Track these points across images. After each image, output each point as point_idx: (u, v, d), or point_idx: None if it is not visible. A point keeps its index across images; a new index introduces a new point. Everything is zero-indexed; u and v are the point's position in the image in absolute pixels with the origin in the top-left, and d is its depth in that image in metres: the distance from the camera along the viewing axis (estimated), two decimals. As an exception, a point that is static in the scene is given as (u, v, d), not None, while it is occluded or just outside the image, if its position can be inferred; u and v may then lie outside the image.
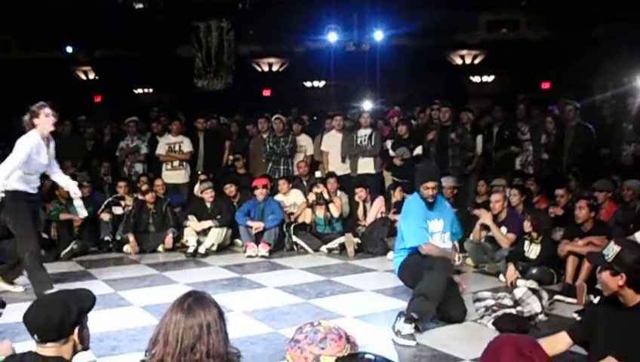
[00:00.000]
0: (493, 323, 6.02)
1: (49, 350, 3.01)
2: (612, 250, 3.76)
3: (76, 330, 3.07)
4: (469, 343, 5.65)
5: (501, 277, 7.98)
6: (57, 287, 7.91)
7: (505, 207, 8.70)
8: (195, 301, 3.00)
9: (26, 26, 16.21)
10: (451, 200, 9.83)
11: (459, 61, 18.95)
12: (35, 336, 3.01)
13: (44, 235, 10.30)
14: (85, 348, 3.21)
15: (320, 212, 10.45)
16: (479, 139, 11.29)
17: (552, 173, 10.71)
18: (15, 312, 3.62)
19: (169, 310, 3.01)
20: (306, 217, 10.50)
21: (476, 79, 19.54)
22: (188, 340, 2.87)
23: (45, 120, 7.32)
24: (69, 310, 3.04)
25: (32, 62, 17.48)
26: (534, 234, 7.86)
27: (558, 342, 3.86)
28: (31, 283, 7.69)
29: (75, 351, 3.12)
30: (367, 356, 2.44)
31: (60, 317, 3.00)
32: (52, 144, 7.62)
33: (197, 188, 11.27)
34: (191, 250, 10.00)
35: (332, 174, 11.09)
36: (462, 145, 10.85)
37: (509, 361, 2.36)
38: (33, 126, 7.36)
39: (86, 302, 3.14)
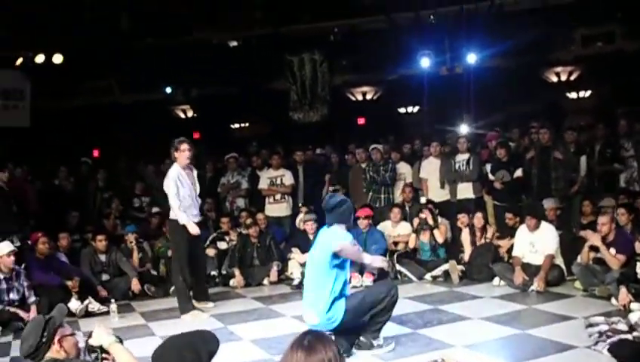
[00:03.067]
0: (609, 350, 5.84)
1: None
2: None
3: None
4: (585, 371, 5.54)
5: (613, 300, 7.73)
6: (170, 322, 8.27)
7: (613, 228, 8.48)
8: (314, 338, 3.06)
9: (127, 69, 16.78)
10: (555, 222, 9.69)
11: (554, 78, 18.61)
12: None
13: (153, 271, 10.66)
14: None
15: (425, 238, 10.39)
16: (583, 159, 11.04)
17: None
18: (134, 349, 3.77)
19: (289, 349, 3.07)
20: (411, 243, 10.46)
21: (573, 95, 19.13)
22: None
23: (182, 154, 8.52)
24: (200, 354, 3.15)
25: (134, 105, 18.08)
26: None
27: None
28: (178, 304, 8.62)
29: None
30: None
31: (192, 360, 3.10)
32: (194, 174, 8.91)
33: (298, 219, 11.41)
34: (296, 282, 10.11)
35: (430, 201, 11.08)
36: (566, 165, 10.66)
37: None
38: (175, 159, 8.63)
39: (213, 345, 3.25)
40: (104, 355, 3.81)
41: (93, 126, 16.85)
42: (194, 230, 8.52)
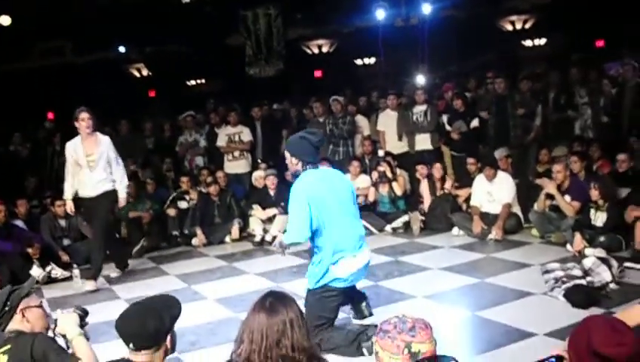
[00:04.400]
0: (564, 295, 6.03)
1: (142, 357, 3.14)
2: None
3: (168, 337, 3.21)
4: (541, 317, 5.71)
5: (568, 246, 7.95)
6: (134, 285, 8.28)
7: (567, 176, 8.64)
8: (276, 299, 3.12)
9: (79, 29, 16.48)
10: (508, 170, 9.83)
11: (509, 27, 18.66)
12: (131, 345, 3.14)
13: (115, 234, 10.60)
14: (173, 352, 3.35)
15: (384, 190, 10.47)
16: (538, 107, 11.14)
17: (613, 137, 10.53)
18: (100, 313, 3.78)
19: (251, 310, 3.12)
20: (371, 196, 10.53)
21: (528, 43, 19.21)
22: (272, 336, 2.99)
23: (82, 124, 8.30)
24: (163, 319, 3.17)
25: (88, 65, 17.80)
26: (600, 202, 7.81)
27: (633, 315, 3.85)
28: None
29: (165, 356, 3.26)
30: None
31: (155, 327, 3.14)
32: (104, 141, 8.55)
33: (254, 176, 11.42)
34: (258, 238, 10.18)
35: (388, 153, 11.15)
36: (523, 114, 10.79)
37: (602, 336, 2.37)
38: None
39: (176, 309, 3.28)
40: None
41: (46, 88, 16.57)
42: (68, 207, 8.59)
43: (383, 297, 6.66)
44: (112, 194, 8.48)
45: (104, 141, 8.49)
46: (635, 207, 7.39)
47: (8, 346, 3.52)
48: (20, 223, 9.78)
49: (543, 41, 19.14)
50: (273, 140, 12.70)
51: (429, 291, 6.84)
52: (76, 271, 8.71)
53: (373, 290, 6.96)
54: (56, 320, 3.80)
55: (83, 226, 10.00)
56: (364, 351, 5.12)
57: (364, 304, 5.91)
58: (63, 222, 9.93)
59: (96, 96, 16.44)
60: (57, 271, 9.02)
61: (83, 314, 3.84)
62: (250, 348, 3.01)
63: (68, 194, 8.49)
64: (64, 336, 3.74)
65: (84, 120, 8.26)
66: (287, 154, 5.62)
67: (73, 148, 8.38)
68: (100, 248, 8.52)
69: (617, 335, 2.37)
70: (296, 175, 5.61)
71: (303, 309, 5.26)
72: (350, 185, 5.78)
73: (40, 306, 3.83)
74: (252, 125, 12.49)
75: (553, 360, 2.91)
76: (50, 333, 3.81)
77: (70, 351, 3.72)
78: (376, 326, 5.25)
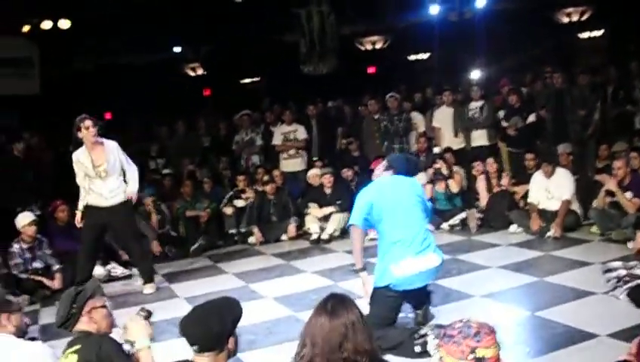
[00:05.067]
0: (627, 295, 5.90)
1: (206, 359, 3.18)
2: None
3: (231, 340, 3.25)
4: (603, 317, 5.61)
5: (629, 244, 7.78)
6: (192, 283, 8.39)
7: (628, 172, 8.48)
8: (337, 302, 3.15)
9: (134, 30, 16.70)
10: (568, 166, 9.69)
11: (565, 19, 18.36)
12: (195, 347, 3.19)
13: (173, 233, 10.76)
14: (235, 354, 3.39)
15: (440, 188, 10.41)
16: (597, 103, 10.94)
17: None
18: (160, 312, 3.85)
19: (313, 314, 3.16)
20: (427, 193, 10.45)
21: (585, 35, 18.86)
22: (335, 340, 3.02)
23: (87, 133, 7.74)
24: (225, 322, 3.22)
25: (144, 66, 18.03)
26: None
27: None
28: None
29: (228, 358, 3.30)
30: None
31: (218, 330, 3.19)
32: (111, 147, 8.03)
33: (310, 174, 11.46)
34: (314, 236, 10.22)
35: (448, 149, 11.08)
36: (581, 109, 10.62)
37: None
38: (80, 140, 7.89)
39: (237, 311, 3.32)
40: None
41: (103, 90, 16.84)
42: (77, 221, 8.11)
43: (440, 296, 6.61)
44: (129, 203, 8.14)
45: (112, 147, 7.99)
46: (699, 204, 7.23)
47: (78, 346, 3.61)
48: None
49: (600, 32, 18.79)
50: (328, 138, 12.73)
51: (487, 290, 6.78)
52: (135, 270, 8.88)
53: (431, 289, 6.93)
54: (125, 326, 3.86)
55: (142, 225, 10.16)
56: (417, 348, 5.11)
57: (426, 309, 5.91)
58: (123, 222, 10.10)
59: (152, 97, 16.74)
60: (117, 270, 9.22)
61: (147, 315, 3.91)
62: (312, 352, 3.04)
63: (80, 206, 8.07)
64: (131, 343, 3.80)
65: (88, 128, 7.69)
66: (385, 163, 5.94)
67: (80, 160, 7.88)
68: (142, 255, 8.42)
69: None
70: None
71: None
72: (419, 191, 5.86)
73: (104, 306, 3.91)
74: (308, 123, 12.53)
75: (620, 365, 2.88)
76: (116, 336, 3.89)
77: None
78: (436, 326, 5.30)
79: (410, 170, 5.88)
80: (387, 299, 5.48)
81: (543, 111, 11.08)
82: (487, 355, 2.69)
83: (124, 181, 8.07)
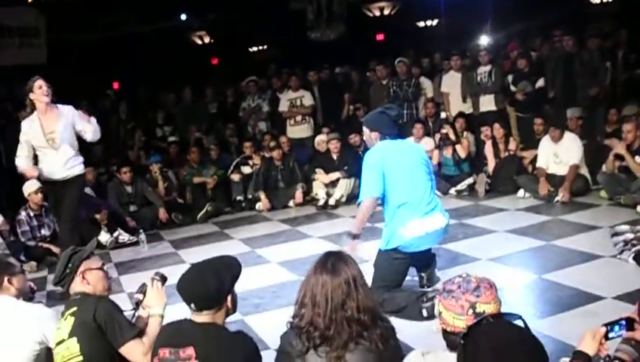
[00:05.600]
0: (634, 258, 5.87)
1: (204, 317, 3.15)
2: None
3: (229, 298, 3.22)
4: (610, 280, 5.58)
5: (638, 208, 7.72)
6: (199, 249, 8.38)
7: (638, 136, 8.39)
8: (337, 260, 3.11)
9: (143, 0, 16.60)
10: (577, 131, 9.60)
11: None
12: (192, 305, 3.16)
13: (180, 200, 10.76)
14: (234, 312, 3.37)
15: (447, 153, 10.35)
16: (607, 65, 10.82)
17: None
18: (168, 274, 3.81)
19: (311, 272, 3.11)
20: (434, 158, 10.39)
21: (596, 0, 18.61)
22: (337, 298, 2.98)
23: (39, 95, 6.96)
24: (223, 279, 3.18)
25: (151, 35, 17.92)
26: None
27: None
28: None
29: (227, 316, 3.28)
30: (517, 320, 2.45)
31: (216, 287, 3.15)
32: (66, 111, 7.19)
33: (317, 140, 11.42)
34: (321, 202, 10.21)
35: (461, 114, 10.99)
36: (591, 72, 10.50)
37: None
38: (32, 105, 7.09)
39: (236, 269, 3.28)
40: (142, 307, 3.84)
41: (111, 59, 16.76)
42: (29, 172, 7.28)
43: (447, 260, 6.59)
44: (82, 178, 7.41)
45: (66, 112, 7.14)
46: None
47: (74, 308, 3.59)
48: (87, 190, 9.97)
49: (611, -2, 18.54)
50: (335, 104, 12.66)
51: (495, 254, 6.75)
52: (142, 236, 8.93)
53: (437, 253, 6.85)
54: (144, 290, 3.83)
55: (149, 192, 10.17)
56: (424, 311, 5.08)
57: (431, 272, 5.88)
58: (129, 189, 10.13)
59: (159, 66, 16.66)
60: (124, 237, 9.24)
61: (162, 280, 3.89)
62: (313, 312, 3.00)
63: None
64: (143, 306, 3.80)
65: (41, 87, 6.91)
66: (365, 130, 5.74)
67: (28, 127, 7.01)
68: (68, 231, 7.27)
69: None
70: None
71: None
72: (423, 155, 5.78)
73: (101, 268, 3.88)
74: (311, 89, 12.47)
75: (624, 322, 2.84)
76: (126, 298, 3.85)
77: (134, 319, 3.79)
78: (438, 289, 5.26)
79: (392, 126, 5.69)
80: (395, 261, 5.45)
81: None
82: (487, 310, 2.62)
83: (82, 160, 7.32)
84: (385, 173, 5.36)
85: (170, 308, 3.76)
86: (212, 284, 3.14)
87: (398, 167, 5.41)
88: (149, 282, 3.84)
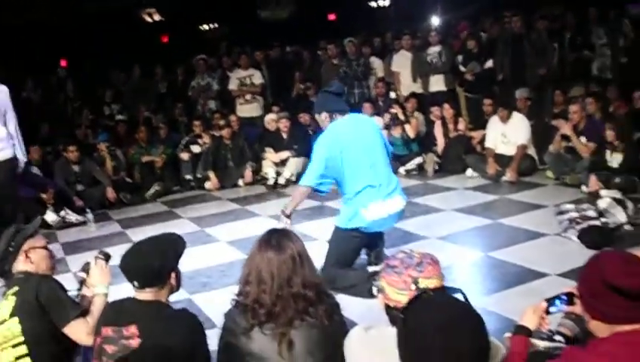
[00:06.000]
0: (578, 236, 5.98)
1: (148, 295, 3.12)
2: None
3: (173, 275, 3.19)
4: (555, 257, 5.68)
5: (583, 188, 7.85)
6: (147, 228, 8.29)
7: (583, 117, 8.52)
8: (280, 236, 3.08)
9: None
10: (525, 111, 9.72)
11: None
12: (135, 283, 3.12)
13: (128, 179, 10.63)
14: (178, 290, 3.33)
15: (396, 133, 10.38)
16: (555, 46, 10.94)
17: (632, 78, 10.31)
18: (114, 257, 3.75)
19: (256, 250, 3.08)
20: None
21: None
22: (283, 274, 2.95)
23: None
24: (166, 257, 3.15)
25: (99, 12, 17.60)
26: (616, 143, 7.70)
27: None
28: None
29: (170, 293, 3.25)
30: (458, 295, 2.46)
31: (159, 264, 3.12)
32: None
33: (267, 119, 11.35)
34: (271, 181, 10.16)
35: (413, 95, 11.04)
36: (539, 53, 10.61)
37: (615, 267, 2.32)
38: None
39: (180, 247, 3.25)
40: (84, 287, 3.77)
41: (59, 37, 16.45)
42: None
43: (395, 238, 6.60)
44: (9, 163, 6.67)
45: (3, 90, 6.73)
46: (651, 148, 7.29)
47: (16, 287, 3.51)
48: (34, 169, 9.80)
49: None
50: (285, 83, 12.63)
51: (442, 232, 6.81)
52: (90, 216, 8.83)
53: (386, 231, 6.92)
54: (88, 269, 3.76)
55: (96, 171, 10.02)
56: (374, 290, 5.10)
57: (379, 251, 5.88)
58: (76, 168, 9.93)
59: (108, 43, 16.40)
60: (71, 216, 9.10)
61: (106, 258, 3.82)
62: (259, 289, 2.97)
63: None
64: (87, 285, 3.73)
65: None
66: (317, 117, 5.71)
67: None
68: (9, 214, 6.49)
69: (630, 267, 2.32)
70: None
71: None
72: (379, 131, 5.78)
73: (45, 247, 3.81)
74: (262, 68, 12.42)
75: (565, 297, 2.88)
76: (70, 277, 3.79)
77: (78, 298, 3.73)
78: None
79: (337, 100, 5.63)
80: (353, 239, 5.47)
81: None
82: (429, 285, 2.62)
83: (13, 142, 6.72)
84: (341, 157, 5.29)
85: (117, 287, 3.71)
86: (155, 261, 3.11)
87: (356, 148, 5.35)
88: (93, 261, 3.77)
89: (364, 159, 5.35)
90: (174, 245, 3.24)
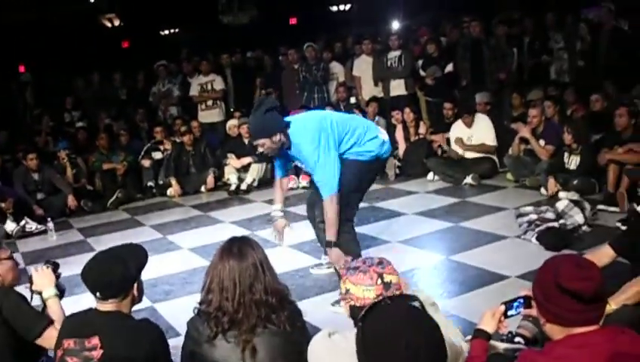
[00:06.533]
0: (537, 238, 6.07)
1: (110, 306, 3.10)
2: None
3: (135, 286, 3.18)
4: (514, 260, 5.74)
5: (542, 190, 7.97)
6: (109, 237, 8.22)
7: (542, 120, 8.66)
8: (242, 244, 3.10)
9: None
10: (486, 115, 9.84)
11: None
12: (98, 294, 3.10)
13: (89, 186, 10.54)
14: (140, 300, 3.32)
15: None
16: (514, 51, 11.06)
17: (589, 81, 10.47)
18: (75, 266, 3.71)
19: (218, 258, 3.09)
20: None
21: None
22: (245, 281, 2.98)
23: None
24: (129, 267, 3.13)
25: (58, 17, 17.43)
26: (574, 145, 7.82)
27: (602, 256, 3.86)
28: None
29: (133, 305, 3.24)
30: (415, 303, 2.51)
31: (122, 275, 3.10)
32: None
33: (228, 125, 11.33)
34: (233, 187, 10.15)
35: (374, 99, 11.08)
36: (498, 58, 10.73)
37: (569, 271, 2.38)
38: None
39: (142, 257, 3.24)
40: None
41: (17, 42, 16.27)
42: None
43: (357, 243, 6.65)
44: None
45: None
46: (607, 150, 7.40)
47: None
48: (-7, 178, 9.69)
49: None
50: (246, 89, 12.60)
51: (404, 236, 6.86)
52: (50, 225, 8.72)
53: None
54: (31, 277, 3.73)
55: (56, 179, 9.92)
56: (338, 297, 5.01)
57: None
58: (36, 176, 9.81)
59: (68, 49, 16.24)
60: (32, 225, 8.99)
61: (54, 267, 3.79)
62: (221, 297, 2.98)
63: None
64: (40, 294, 3.69)
65: None
66: (267, 142, 4.97)
67: None
68: None
69: (583, 271, 2.38)
70: (286, 148, 5.12)
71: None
72: None
73: (10, 258, 3.77)
74: (223, 73, 12.39)
75: (522, 300, 2.93)
76: (26, 290, 3.75)
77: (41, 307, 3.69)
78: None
79: (280, 115, 5.16)
80: (372, 169, 5.42)
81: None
82: (393, 281, 2.76)
83: None
84: (331, 135, 5.01)
85: (78, 297, 3.69)
86: (117, 272, 3.09)
87: (336, 117, 5.33)
88: (34, 270, 3.75)
89: (353, 118, 5.45)
90: (136, 256, 3.23)
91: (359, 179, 5.25)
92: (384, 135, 5.44)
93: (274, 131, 4.95)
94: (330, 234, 5.03)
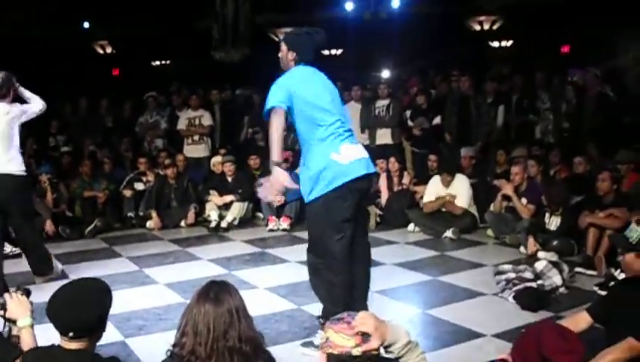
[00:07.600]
0: (514, 297, 6.06)
1: (77, 344, 3.04)
2: (636, 231, 3.71)
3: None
4: (491, 318, 5.73)
5: (522, 248, 8.01)
6: (85, 265, 8.14)
7: (525, 178, 8.72)
8: (220, 289, 3.08)
9: (42, 2, 16.17)
10: (469, 170, 9.91)
11: (477, 27, 18.75)
12: (71, 334, 3.03)
13: (69, 213, 10.44)
14: (99, 339, 3.27)
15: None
16: (501, 109, 11.19)
17: (573, 142, 10.59)
18: (48, 293, 3.63)
19: (194, 301, 3.07)
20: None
21: (495, 44, 19.32)
22: (219, 327, 2.95)
23: None
24: (105, 306, 3.10)
25: (49, 40, 17.45)
26: (554, 206, 7.88)
27: (579, 321, 3.85)
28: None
29: (97, 341, 3.19)
30: None
31: (99, 315, 3.06)
32: None
33: (213, 161, 11.32)
34: (213, 224, 10.09)
35: None
36: (484, 115, 10.84)
37: (553, 343, 2.38)
38: None
39: (110, 294, 3.21)
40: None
41: (4, 62, 16.23)
42: None
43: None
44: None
45: None
46: (588, 214, 7.46)
47: None
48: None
49: (509, 42, 19.25)
50: (233, 126, 12.63)
51: (381, 286, 6.79)
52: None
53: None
54: (4, 304, 3.66)
55: (36, 203, 9.81)
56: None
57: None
58: (13, 198, 9.69)
59: (56, 72, 16.22)
60: (7, 248, 8.85)
61: (25, 294, 3.73)
62: (194, 341, 2.96)
63: None
64: (14, 322, 3.62)
65: None
66: (283, 47, 5.11)
67: None
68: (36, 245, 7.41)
69: (568, 344, 2.39)
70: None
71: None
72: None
73: None
74: (211, 109, 12.42)
75: (498, 364, 2.93)
76: None
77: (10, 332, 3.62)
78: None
79: (312, 52, 5.12)
80: (337, 201, 4.79)
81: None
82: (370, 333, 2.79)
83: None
84: (301, 97, 4.86)
85: (49, 325, 3.59)
86: (95, 312, 3.05)
87: (322, 90, 5.02)
88: (8, 296, 3.64)
89: (331, 103, 4.98)
90: (107, 293, 3.19)
91: (327, 215, 4.79)
92: (362, 152, 4.98)
93: (291, 46, 5.10)
94: (272, 154, 4.82)
